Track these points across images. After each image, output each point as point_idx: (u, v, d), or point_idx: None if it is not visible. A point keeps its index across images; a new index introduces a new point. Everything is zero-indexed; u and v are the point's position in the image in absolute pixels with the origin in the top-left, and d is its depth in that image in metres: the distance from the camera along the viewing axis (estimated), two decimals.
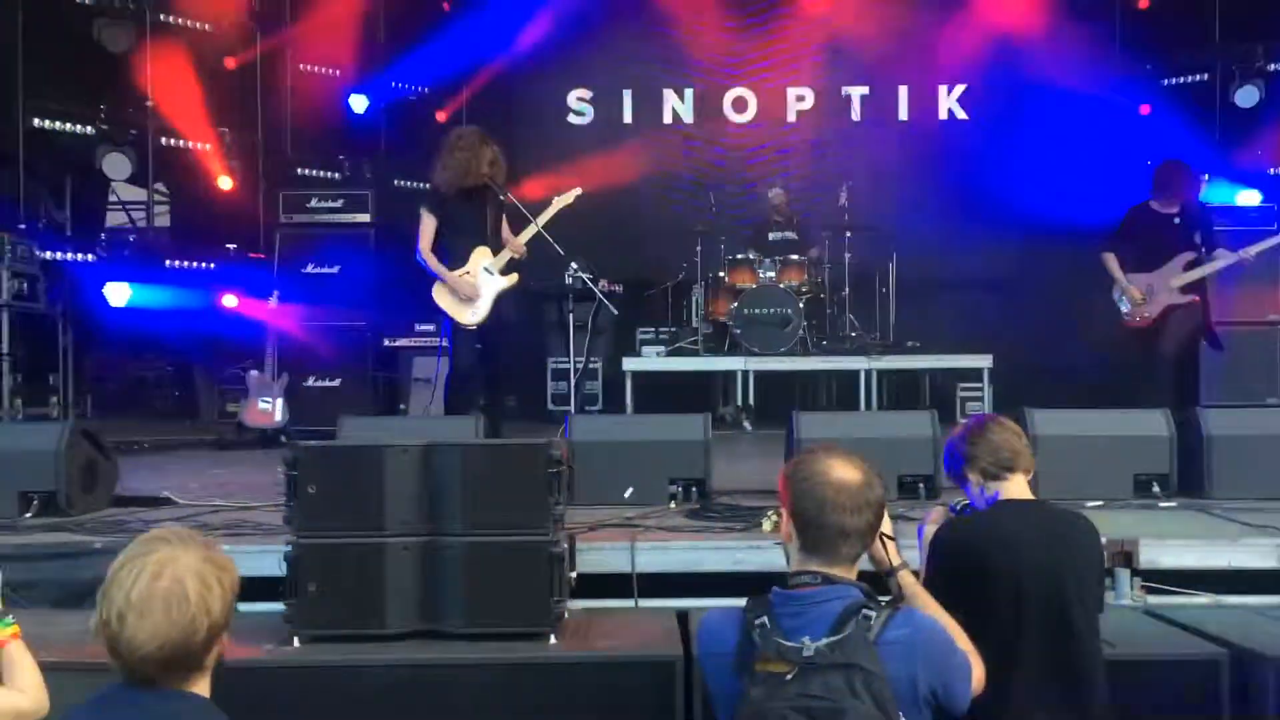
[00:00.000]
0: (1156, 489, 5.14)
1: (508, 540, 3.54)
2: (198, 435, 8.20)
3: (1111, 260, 6.99)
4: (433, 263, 6.20)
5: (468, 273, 6.19)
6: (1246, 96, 9.12)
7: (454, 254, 6.22)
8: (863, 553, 2.55)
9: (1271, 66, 9.25)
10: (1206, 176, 8.68)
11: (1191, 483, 5.20)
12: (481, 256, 6.24)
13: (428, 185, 6.42)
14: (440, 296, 6.22)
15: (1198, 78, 9.83)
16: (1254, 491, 5.02)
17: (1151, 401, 6.00)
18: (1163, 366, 6.83)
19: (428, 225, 6.21)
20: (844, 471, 2.47)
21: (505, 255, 6.27)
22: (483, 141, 6.23)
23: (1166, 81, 10.00)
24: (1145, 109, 10.02)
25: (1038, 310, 9.78)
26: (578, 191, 6.45)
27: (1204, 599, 4.12)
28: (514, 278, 6.32)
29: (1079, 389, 8.24)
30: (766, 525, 4.60)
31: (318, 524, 3.53)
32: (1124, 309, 6.98)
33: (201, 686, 1.96)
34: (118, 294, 8.45)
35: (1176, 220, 6.89)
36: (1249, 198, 8.69)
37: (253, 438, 7.69)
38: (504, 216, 6.40)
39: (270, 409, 7.67)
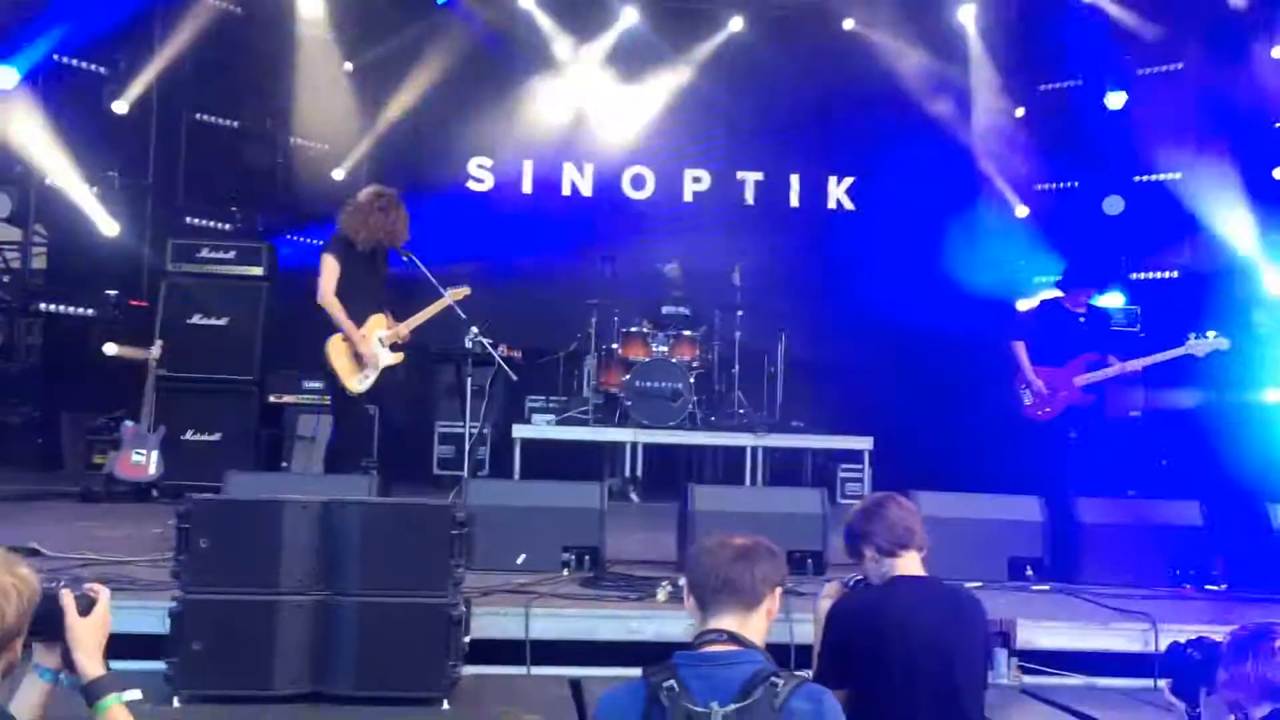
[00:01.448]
0: (1030, 572, 5.35)
1: (406, 602, 3.49)
2: (63, 486, 7.82)
3: (1022, 350, 7.00)
4: (338, 312, 5.98)
5: (365, 337, 6.04)
6: (1112, 205, 9.71)
7: (351, 314, 6.03)
8: (756, 609, 2.52)
9: (1136, 178, 9.88)
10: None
11: (1063, 568, 5.43)
12: (377, 325, 6.13)
13: (335, 233, 6.20)
14: (335, 353, 6.00)
15: (1070, 184, 10.45)
16: (1121, 578, 5.27)
17: (1025, 487, 6.26)
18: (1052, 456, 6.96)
19: (332, 270, 6.00)
20: (731, 538, 2.56)
21: (393, 335, 6.15)
22: (399, 206, 6.16)
23: (1040, 186, 10.59)
24: (1022, 211, 10.58)
25: (917, 395, 10.11)
26: (466, 291, 6.36)
27: (1077, 680, 4.29)
28: (401, 356, 6.20)
29: (955, 473, 8.50)
30: (661, 595, 4.65)
31: (207, 579, 3.43)
32: (1026, 401, 6.99)
33: None
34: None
35: (1082, 319, 7.00)
36: (1113, 300, 9.21)
37: (123, 490, 7.37)
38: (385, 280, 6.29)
39: (144, 461, 7.38)
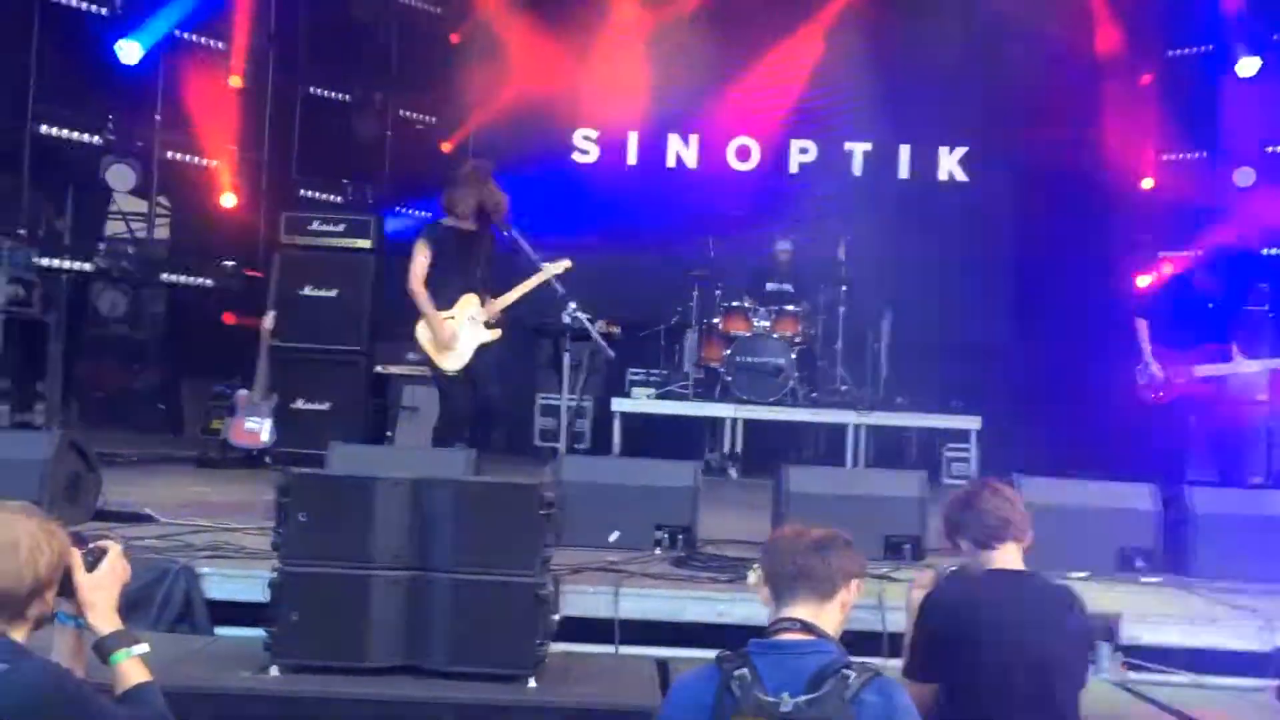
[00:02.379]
0: (1141, 564, 5.16)
1: (495, 579, 3.52)
2: (181, 451, 8.15)
3: (1144, 329, 6.89)
4: (422, 298, 6.13)
5: (451, 317, 6.14)
6: (1244, 177, 9.24)
7: (441, 295, 6.15)
8: (830, 600, 2.53)
9: (1269, 149, 9.38)
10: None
11: (1176, 560, 5.22)
12: (468, 304, 6.20)
13: (433, 216, 6.39)
14: (423, 336, 6.18)
15: (1199, 154, 9.96)
16: (1237, 572, 5.04)
17: (1139, 473, 6.05)
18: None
19: (422, 258, 6.14)
20: (810, 528, 2.57)
21: (487, 312, 6.22)
22: (487, 179, 6.23)
23: (1167, 156, 10.12)
24: (1148, 183, 10.13)
25: (1027, 375, 9.82)
26: (567, 264, 6.37)
27: (1184, 678, 4.13)
28: (497, 333, 6.27)
29: (1066, 456, 8.27)
30: (752, 578, 4.58)
31: (305, 552, 3.51)
32: (1141, 380, 6.89)
33: (19, 633, 2.20)
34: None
35: (1211, 305, 6.86)
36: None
37: (237, 457, 7.64)
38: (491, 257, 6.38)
39: (257, 429, 7.63)
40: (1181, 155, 10.10)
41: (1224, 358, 6.72)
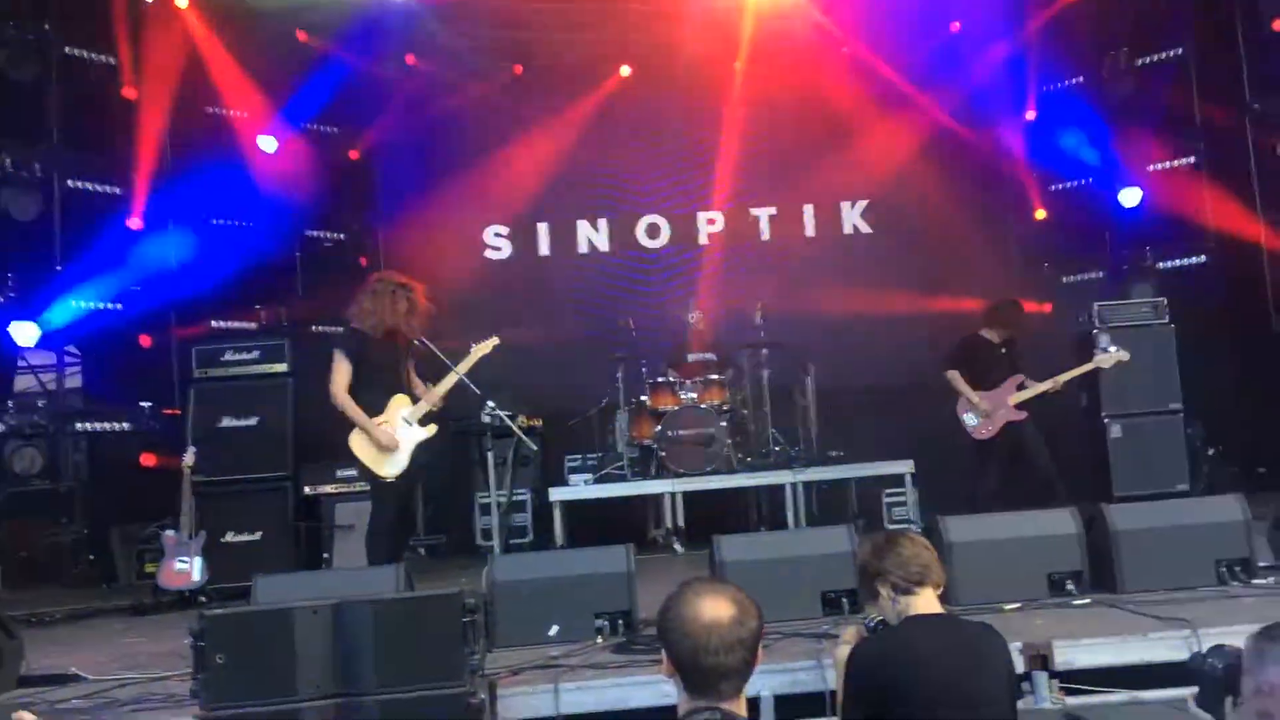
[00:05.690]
0: (1070, 587, 5.24)
1: (423, 694, 3.49)
2: (114, 602, 7.93)
3: (958, 377, 7.98)
4: (350, 406, 6.09)
5: (385, 422, 6.13)
6: (1130, 197, 9.57)
7: (369, 403, 6.13)
8: (746, 682, 2.49)
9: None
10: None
11: (1103, 578, 5.30)
12: (399, 405, 6.20)
13: (345, 327, 6.39)
14: (358, 446, 6.11)
15: (1086, 181, 10.31)
16: (1163, 583, 5.14)
17: (1070, 494, 6.16)
18: (1035, 471, 7.82)
19: (342, 367, 6.12)
20: (714, 610, 2.44)
21: (423, 406, 6.23)
22: (398, 288, 6.26)
23: (1055, 186, 10.47)
24: (1040, 214, 10.46)
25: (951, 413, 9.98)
26: (495, 341, 6.44)
27: (1120, 696, 4.18)
28: (433, 428, 6.27)
29: (1002, 488, 8.37)
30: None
31: (227, 695, 3.46)
32: (970, 422, 7.97)
33: None
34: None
35: (1003, 350, 8.04)
36: (1141, 292, 9.07)
37: (170, 600, 7.48)
38: (414, 364, 6.39)
39: (187, 569, 7.48)
40: (1068, 184, 10.46)
41: (1022, 387, 7.78)
